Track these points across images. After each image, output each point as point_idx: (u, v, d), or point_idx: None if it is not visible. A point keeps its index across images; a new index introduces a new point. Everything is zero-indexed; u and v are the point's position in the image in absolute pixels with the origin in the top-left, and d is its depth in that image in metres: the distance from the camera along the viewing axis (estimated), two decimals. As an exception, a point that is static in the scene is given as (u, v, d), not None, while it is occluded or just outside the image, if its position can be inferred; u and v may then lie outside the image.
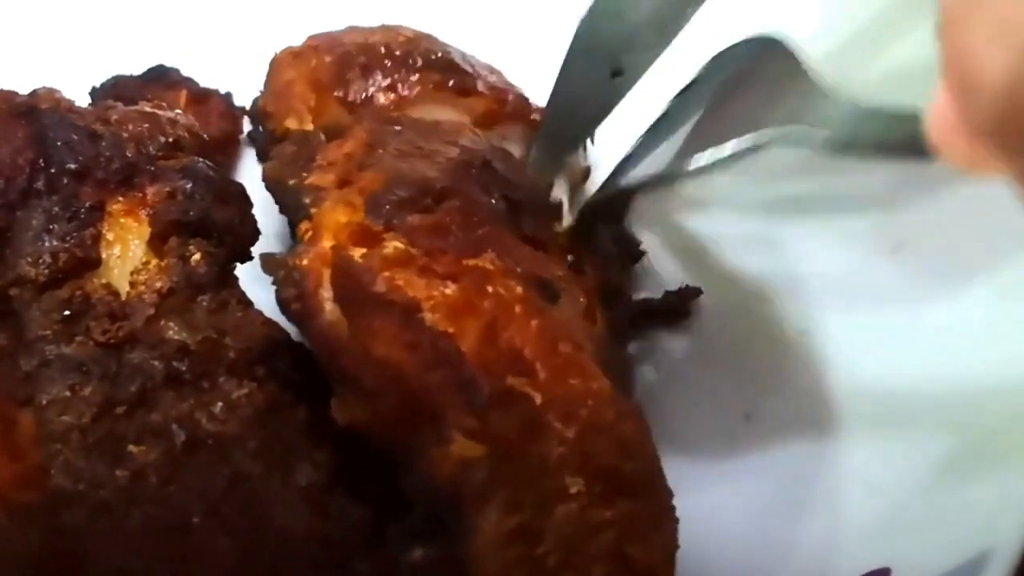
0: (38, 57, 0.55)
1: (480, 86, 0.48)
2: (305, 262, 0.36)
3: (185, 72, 0.55)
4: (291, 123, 0.47)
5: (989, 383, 0.39)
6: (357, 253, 0.36)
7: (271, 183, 0.42)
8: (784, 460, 0.42)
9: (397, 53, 0.49)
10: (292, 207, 0.41)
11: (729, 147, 0.38)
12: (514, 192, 0.42)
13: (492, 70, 0.51)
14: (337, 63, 0.49)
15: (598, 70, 0.44)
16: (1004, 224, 0.41)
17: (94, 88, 0.54)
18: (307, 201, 0.39)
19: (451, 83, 0.47)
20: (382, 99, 0.47)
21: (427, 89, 0.47)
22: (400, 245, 0.36)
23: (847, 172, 0.46)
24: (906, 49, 0.43)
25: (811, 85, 0.37)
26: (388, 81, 0.47)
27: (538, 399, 0.33)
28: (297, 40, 0.52)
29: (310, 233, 0.37)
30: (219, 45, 0.57)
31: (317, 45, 0.50)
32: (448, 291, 0.35)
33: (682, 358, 0.47)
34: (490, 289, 0.35)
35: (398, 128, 0.43)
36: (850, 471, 0.40)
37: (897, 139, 0.34)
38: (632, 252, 0.49)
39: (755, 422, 0.44)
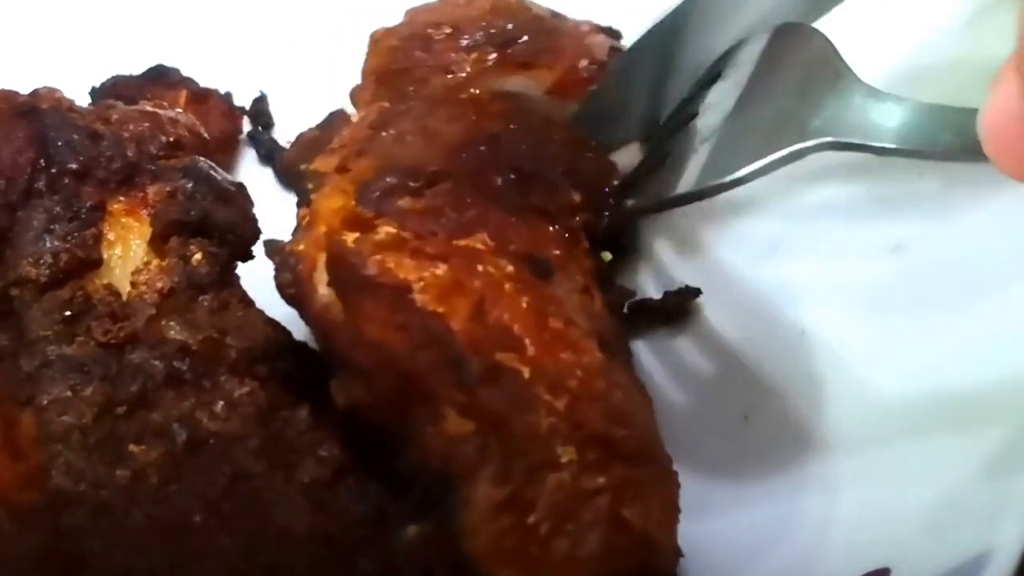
0: (38, 57, 0.56)
1: (545, 58, 0.47)
2: (301, 247, 0.37)
3: (185, 72, 0.55)
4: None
5: (989, 383, 0.39)
6: (350, 238, 0.36)
7: (287, 168, 0.42)
8: (783, 460, 0.42)
9: (463, 30, 0.47)
10: (299, 192, 0.41)
11: (769, 159, 0.38)
12: (527, 164, 0.42)
13: (581, 31, 0.49)
14: (400, 48, 0.48)
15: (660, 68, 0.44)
16: (1004, 225, 0.42)
17: (94, 88, 0.54)
18: (309, 187, 0.40)
19: (510, 58, 0.46)
20: (436, 82, 0.46)
21: (483, 67, 0.46)
22: (392, 230, 0.37)
23: (847, 173, 0.46)
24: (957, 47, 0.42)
25: (848, 81, 0.36)
26: (443, 62, 0.46)
27: (526, 373, 0.34)
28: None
29: (307, 219, 0.38)
30: (219, 45, 0.57)
31: (396, 28, 0.49)
32: (438, 271, 0.35)
33: (682, 358, 0.47)
34: (480, 268, 0.36)
35: (410, 105, 0.43)
36: (849, 471, 0.40)
37: (948, 141, 0.34)
38: (625, 245, 0.49)
39: (755, 422, 0.44)
